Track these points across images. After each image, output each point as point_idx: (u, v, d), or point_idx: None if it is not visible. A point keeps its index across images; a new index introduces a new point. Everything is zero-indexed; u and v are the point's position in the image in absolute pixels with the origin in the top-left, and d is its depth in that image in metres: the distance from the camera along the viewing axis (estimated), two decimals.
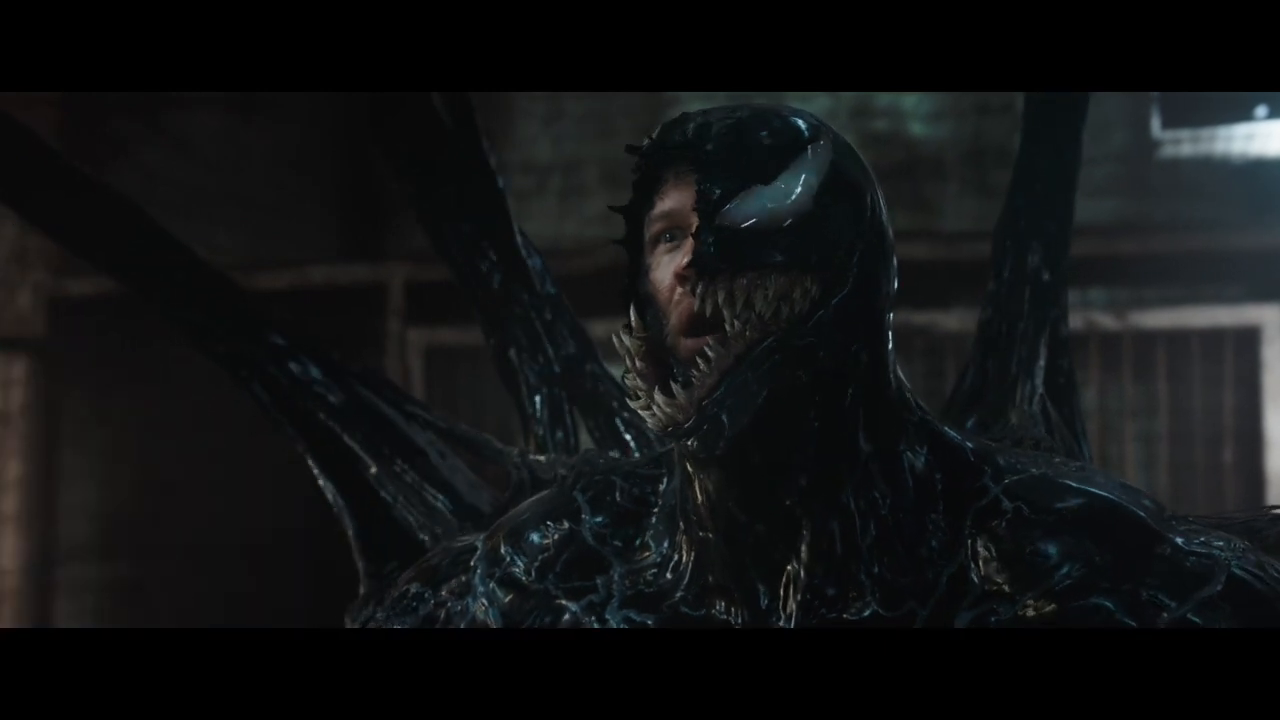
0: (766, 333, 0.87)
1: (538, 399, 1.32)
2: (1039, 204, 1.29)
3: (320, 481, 1.30)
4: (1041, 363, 1.26)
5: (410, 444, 1.29)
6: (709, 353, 0.87)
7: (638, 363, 0.91)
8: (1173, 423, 3.36)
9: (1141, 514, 0.93)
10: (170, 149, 3.92)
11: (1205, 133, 4.15)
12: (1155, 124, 4.23)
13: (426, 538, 1.25)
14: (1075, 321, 3.46)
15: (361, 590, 1.26)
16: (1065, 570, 0.89)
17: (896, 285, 0.94)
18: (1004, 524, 0.91)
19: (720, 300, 0.86)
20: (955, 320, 3.33)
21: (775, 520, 0.91)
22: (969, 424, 1.22)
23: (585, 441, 1.33)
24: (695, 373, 0.87)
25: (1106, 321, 3.32)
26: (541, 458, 1.26)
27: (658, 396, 0.88)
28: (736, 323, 0.86)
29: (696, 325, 0.88)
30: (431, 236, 1.35)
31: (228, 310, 1.31)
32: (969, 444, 0.96)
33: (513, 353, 1.33)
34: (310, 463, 1.30)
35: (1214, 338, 3.29)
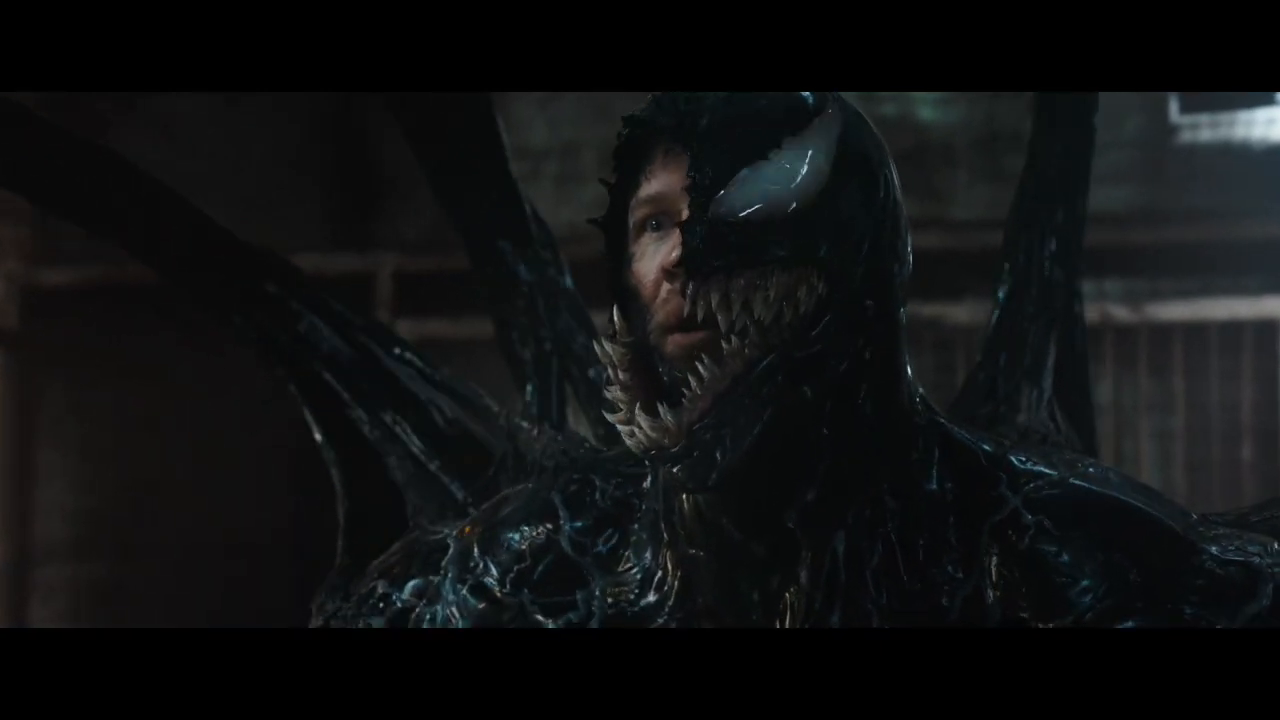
0: (768, 347, 0.80)
1: (529, 385, 1.31)
2: (1050, 196, 1.28)
3: (312, 429, 1.28)
4: (1050, 364, 1.25)
5: (401, 391, 1.24)
6: (701, 371, 0.80)
7: (621, 374, 0.84)
8: (1189, 419, 3.37)
9: (1170, 522, 0.88)
10: (150, 131, 3.90)
11: (1224, 118, 4.15)
12: (1173, 109, 4.22)
13: (410, 503, 1.21)
14: (1089, 313, 3.45)
15: (338, 559, 1.25)
16: (1097, 593, 0.84)
17: (910, 271, 0.88)
18: (1025, 540, 0.86)
19: (714, 304, 0.80)
20: (966, 312, 3.33)
21: (774, 540, 0.85)
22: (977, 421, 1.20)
23: (576, 429, 1.33)
24: (685, 393, 0.81)
25: (1121, 314, 3.32)
26: (526, 424, 1.23)
27: (640, 416, 0.82)
28: (734, 338, 0.80)
29: (686, 323, 0.82)
30: (447, 211, 1.34)
31: (206, 242, 1.27)
32: (983, 446, 0.91)
33: (514, 334, 1.31)
34: (303, 407, 1.27)
35: (1232, 331, 3.29)
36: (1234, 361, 3.30)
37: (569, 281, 1.34)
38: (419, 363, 1.27)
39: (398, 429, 1.23)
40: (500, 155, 1.33)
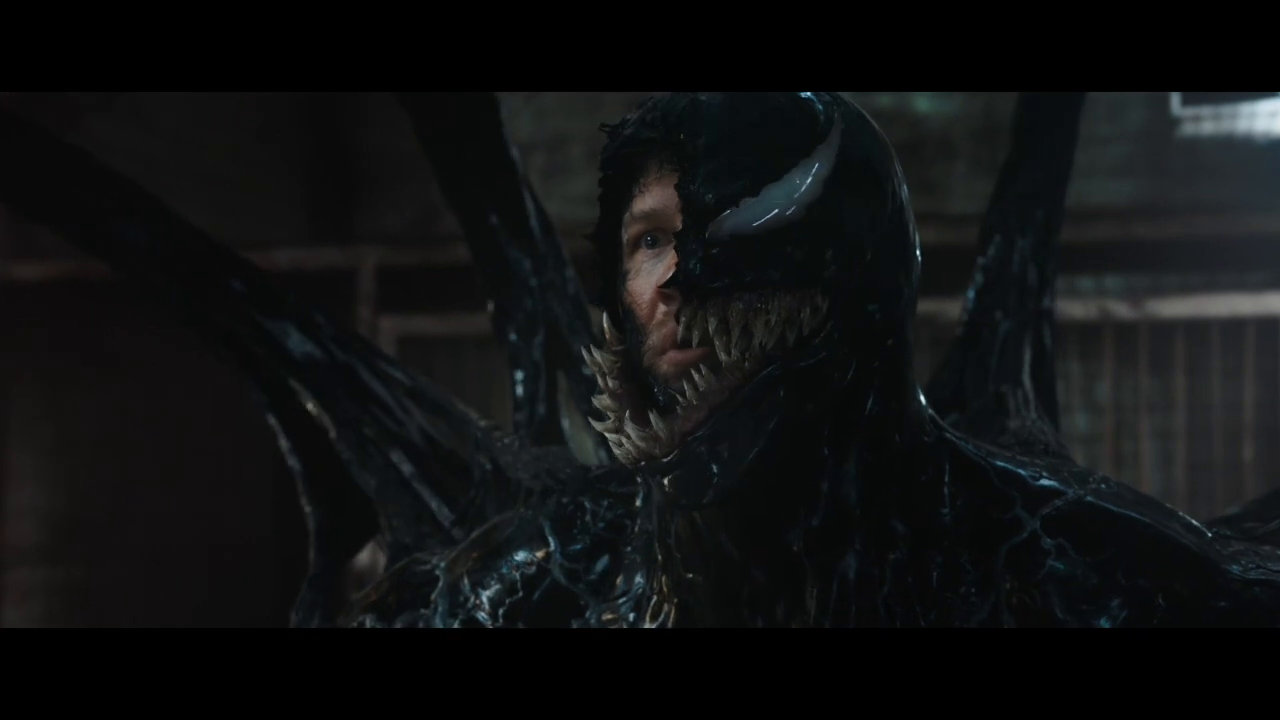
0: (768, 361, 0.78)
1: (520, 374, 1.30)
2: (1032, 194, 1.28)
3: (279, 439, 1.28)
4: (1027, 364, 1.25)
5: (371, 398, 1.23)
6: (697, 379, 0.78)
7: (611, 382, 0.83)
8: (1190, 417, 3.38)
9: (1189, 541, 0.88)
10: (124, 118, 3.89)
11: (1227, 110, 4.17)
12: (1174, 100, 4.24)
13: (382, 516, 1.21)
14: (1089, 310, 3.48)
15: (311, 569, 1.24)
16: (1122, 619, 0.83)
17: (918, 280, 0.86)
18: (1044, 565, 0.85)
19: (712, 328, 0.77)
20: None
21: (776, 563, 0.83)
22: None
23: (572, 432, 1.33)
24: (680, 400, 0.78)
25: (1122, 310, 3.34)
26: (506, 438, 1.21)
27: (629, 425, 0.80)
28: (734, 351, 0.78)
29: (682, 346, 0.80)
30: (448, 198, 1.34)
31: (176, 244, 1.27)
32: (996, 463, 0.89)
33: (509, 322, 1.31)
34: (269, 418, 1.27)
35: (1235, 328, 3.31)
36: (1236, 359, 3.32)
37: (569, 273, 1.34)
38: (390, 369, 1.27)
39: (367, 435, 1.22)
40: (501, 143, 1.33)
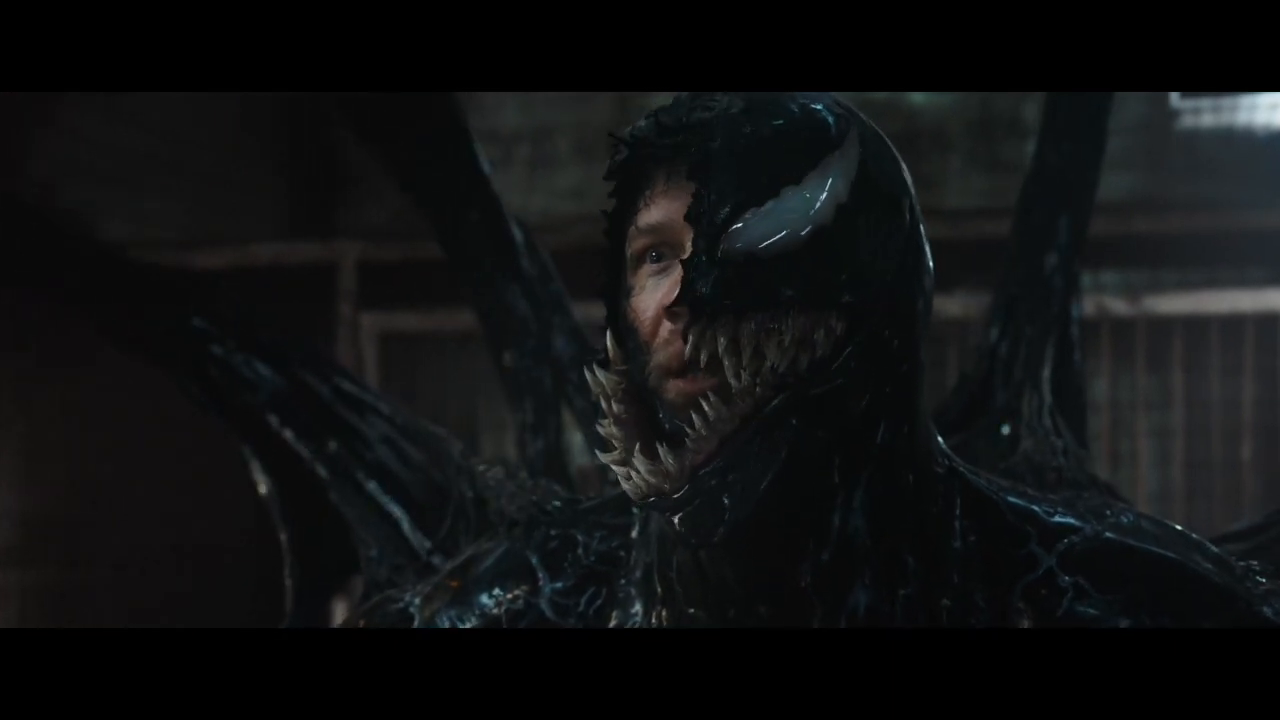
0: (781, 386, 0.77)
1: (525, 408, 1.30)
2: (1059, 204, 1.30)
3: (257, 480, 1.28)
4: (1048, 370, 1.26)
5: (342, 424, 1.23)
6: (707, 409, 0.76)
7: (615, 406, 0.80)
8: (1189, 416, 3.40)
9: (1215, 575, 0.87)
10: (100, 110, 3.87)
11: (1227, 102, 4.19)
12: (1173, 93, 4.26)
13: (359, 546, 1.20)
14: (1086, 306, 3.48)
15: (290, 604, 1.25)
16: None
17: (931, 301, 0.85)
18: (1063, 603, 0.84)
19: (721, 348, 0.75)
20: (958, 305, 3.35)
21: (782, 601, 0.82)
22: (971, 433, 1.21)
23: (573, 448, 1.33)
24: (689, 432, 0.77)
25: (1119, 306, 3.35)
26: (489, 471, 1.19)
27: (638, 459, 0.78)
28: (744, 375, 0.76)
29: (690, 368, 0.78)
30: (434, 229, 1.35)
31: (131, 287, 1.26)
32: (1007, 498, 0.89)
33: (506, 355, 1.31)
34: (246, 453, 1.27)
35: (1234, 325, 3.32)
36: (1235, 357, 3.33)
37: (562, 295, 1.33)
38: (361, 394, 1.26)
39: (340, 463, 1.21)
40: (479, 176, 1.32)
